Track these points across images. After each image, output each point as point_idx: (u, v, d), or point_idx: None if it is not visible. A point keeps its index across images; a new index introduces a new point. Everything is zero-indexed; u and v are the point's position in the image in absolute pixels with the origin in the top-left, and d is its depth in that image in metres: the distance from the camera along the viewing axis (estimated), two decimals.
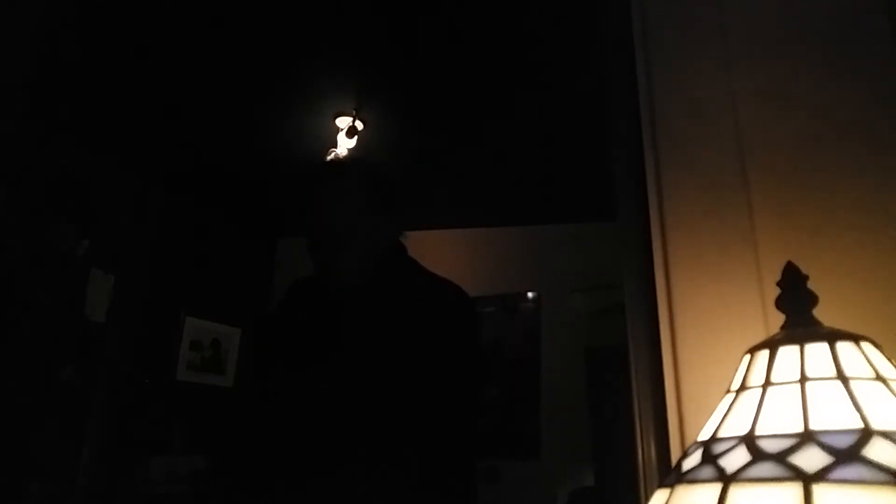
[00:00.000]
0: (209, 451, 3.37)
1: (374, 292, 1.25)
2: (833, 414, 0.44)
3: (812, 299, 0.53)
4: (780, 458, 0.42)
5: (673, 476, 0.49)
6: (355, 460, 1.08)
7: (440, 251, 3.71)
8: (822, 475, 0.39)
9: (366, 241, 1.27)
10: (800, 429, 0.44)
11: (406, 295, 1.24)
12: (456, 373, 1.17)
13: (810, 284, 0.54)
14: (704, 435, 0.50)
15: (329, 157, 2.97)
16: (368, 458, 1.08)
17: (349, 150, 3.05)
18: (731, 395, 0.52)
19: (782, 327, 0.53)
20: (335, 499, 1.06)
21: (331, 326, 1.24)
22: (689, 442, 0.71)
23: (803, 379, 0.47)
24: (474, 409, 1.43)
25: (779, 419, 0.45)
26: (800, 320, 0.53)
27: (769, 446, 0.43)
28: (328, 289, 1.30)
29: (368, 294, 1.25)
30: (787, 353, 0.50)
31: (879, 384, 0.46)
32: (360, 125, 3.09)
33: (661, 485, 0.50)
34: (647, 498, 0.59)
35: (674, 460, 0.73)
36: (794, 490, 0.39)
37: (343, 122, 3.08)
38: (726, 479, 0.43)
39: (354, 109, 3.04)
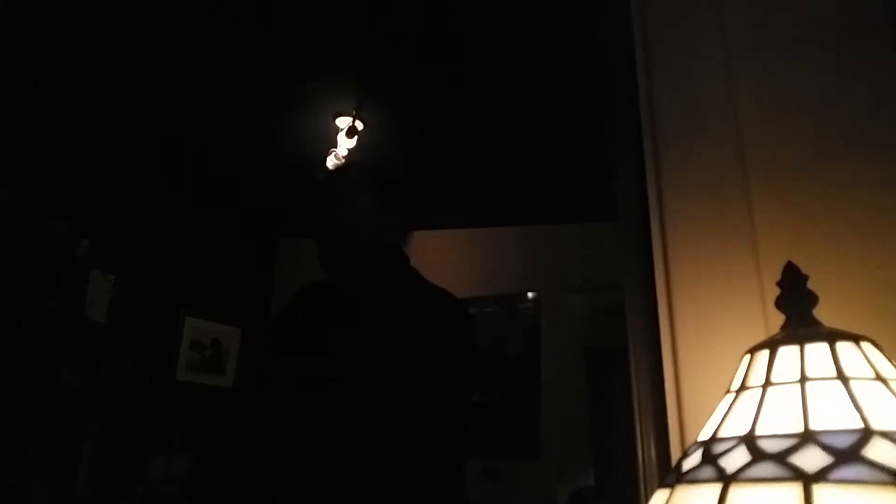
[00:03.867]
0: (201, 450, 3.35)
1: (376, 292, 1.28)
2: (833, 414, 0.44)
3: (812, 299, 0.53)
4: (780, 458, 0.42)
5: (673, 476, 0.49)
6: (353, 454, 1.09)
7: (440, 251, 3.72)
8: (822, 475, 0.39)
9: (371, 242, 1.31)
10: (800, 429, 0.44)
11: (405, 299, 1.29)
12: (450, 374, 1.20)
13: (810, 284, 0.54)
14: (704, 435, 0.50)
15: (333, 161, 2.99)
16: (365, 452, 1.09)
17: (349, 150, 3.06)
18: (731, 395, 0.52)
19: (782, 327, 0.53)
20: (333, 492, 1.08)
21: (336, 321, 1.27)
22: (689, 442, 0.71)
23: (803, 379, 0.47)
24: (468, 411, 1.49)
25: (779, 419, 0.45)
26: (800, 320, 0.53)
27: (769, 446, 0.43)
28: (336, 289, 1.34)
29: (371, 292, 1.29)
30: (787, 353, 0.50)
31: (879, 384, 0.46)
32: (360, 125, 3.09)
33: (661, 485, 0.50)
34: (647, 498, 0.59)
35: (674, 460, 0.73)
36: (794, 490, 0.39)
37: (343, 122, 3.08)
38: (726, 479, 0.43)
39: (354, 109, 3.04)
